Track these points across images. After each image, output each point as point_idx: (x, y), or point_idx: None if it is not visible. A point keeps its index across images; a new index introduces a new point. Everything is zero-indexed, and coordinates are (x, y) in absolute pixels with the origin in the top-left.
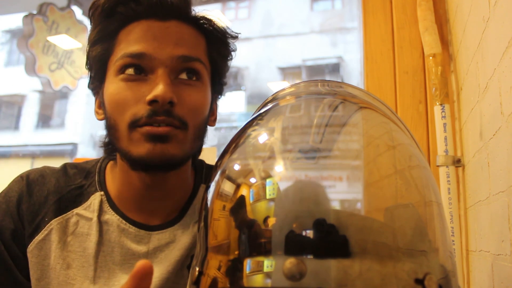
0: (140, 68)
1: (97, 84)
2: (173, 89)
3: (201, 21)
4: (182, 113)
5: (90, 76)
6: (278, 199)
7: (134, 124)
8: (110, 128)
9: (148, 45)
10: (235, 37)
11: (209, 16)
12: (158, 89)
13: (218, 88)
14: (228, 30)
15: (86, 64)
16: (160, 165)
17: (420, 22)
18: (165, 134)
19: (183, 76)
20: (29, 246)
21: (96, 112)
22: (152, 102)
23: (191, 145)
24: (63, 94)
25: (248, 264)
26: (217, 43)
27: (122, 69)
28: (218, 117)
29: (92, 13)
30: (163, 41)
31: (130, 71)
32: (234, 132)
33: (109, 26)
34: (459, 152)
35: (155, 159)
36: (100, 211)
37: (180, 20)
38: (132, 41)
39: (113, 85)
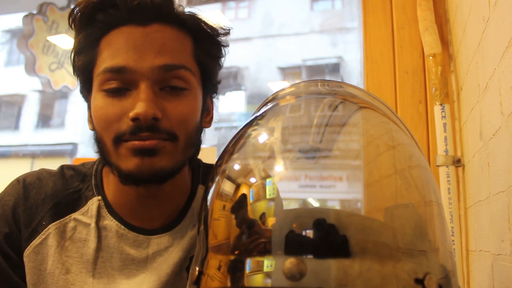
0: (122, 82)
1: (86, 93)
2: (157, 102)
3: (187, 21)
4: (169, 126)
5: (79, 84)
6: (278, 199)
7: (119, 140)
8: (98, 142)
9: (128, 57)
10: (226, 34)
11: (195, 14)
12: (139, 106)
13: (210, 89)
14: (216, 27)
15: (73, 72)
16: (150, 179)
17: (420, 22)
18: (151, 148)
19: (168, 87)
20: (26, 250)
21: (89, 121)
22: (135, 119)
23: (183, 154)
24: (63, 94)
25: (248, 264)
26: (206, 42)
27: (103, 84)
28: (218, 117)
29: (71, 22)
30: (144, 50)
31: (112, 85)
32: (234, 132)
33: (90, 35)
34: (459, 152)
35: (144, 173)
36: (98, 217)
37: (163, 22)
38: (112, 53)
39: (97, 100)
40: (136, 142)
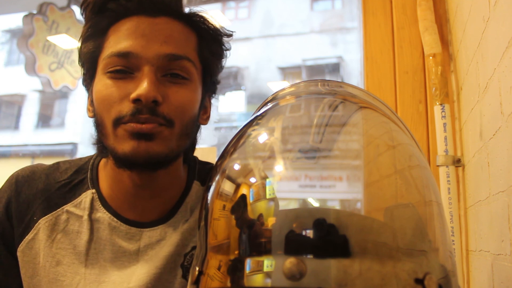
0: (126, 67)
1: (88, 81)
2: (159, 87)
3: (193, 18)
4: (167, 111)
5: (83, 72)
6: (278, 199)
7: (119, 121)
8: (98, 125)
9: (135, 43)
10: (229, 36)
11: (201, 13)
12: (142, 87)
13: (210, 87)
14: (221, 29)
15: (79, 60)
16: (145, 163)
17: (420, 22)
18: (149, 132)
19: (170, 75)
20: (19, 245)
21: (88, 109)
22: (136, 100)
23: (178, 142)
24: (63, 94)
25: (248, 263)
26: (209, 41)
27: (109, 68)
28: (218, 117)
29: (84, 9)
30: (151, 38)
31: (116, 68)
32: (234, 132)
33: (100, 23)
34: (459, 152)
35: (139, 157)
36: (91, 209)
37: (170, 16)
38: (120, 39)
39: (100, 83)
40: (134, 125)
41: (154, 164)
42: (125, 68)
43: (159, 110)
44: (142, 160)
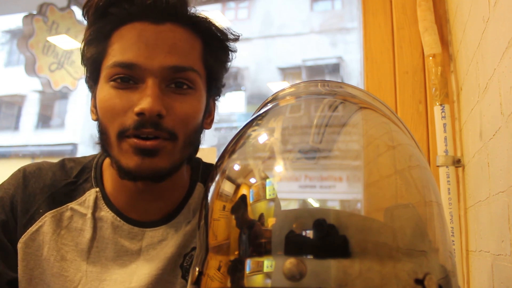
0: (130, 75)
1: (92, 83)
2: (163, 99)
3: (199, 24)
4: (171, 125)
5: (86, 74)
6: (278, 199)
7: (122, 134)
8: (102, 133)
9: (139, 54)
10: (236, 39)
11: (207, 18)
12: (146, 101)
13: (215, 91)
14: (227, 32)
15: (82, 62)
16: (148, 177)
17: (420, 22)
18: (153, 148)
19: (174, 85)
20: (22, 237)
21: (92, 111)
22: (140, 114)
23: (181, 154)
24: (63, 94)
25: (248, 264)
26: (215, 46)
27: (112, 77)
28: (218, 117)
29: (85, 12)
30: (155, 48)
31: (120, 76)
32: (234, 132)
33: (103, 27)
34: (459, 152)
35: (143, 172)
36: (95, 208)
37: (175, 22)
38: (123, 48)
39: (104, 91)
40: (138, 141)
41: (158, 177)
42: (129, 77)
43: (163, 123)
44: (145, 175)
